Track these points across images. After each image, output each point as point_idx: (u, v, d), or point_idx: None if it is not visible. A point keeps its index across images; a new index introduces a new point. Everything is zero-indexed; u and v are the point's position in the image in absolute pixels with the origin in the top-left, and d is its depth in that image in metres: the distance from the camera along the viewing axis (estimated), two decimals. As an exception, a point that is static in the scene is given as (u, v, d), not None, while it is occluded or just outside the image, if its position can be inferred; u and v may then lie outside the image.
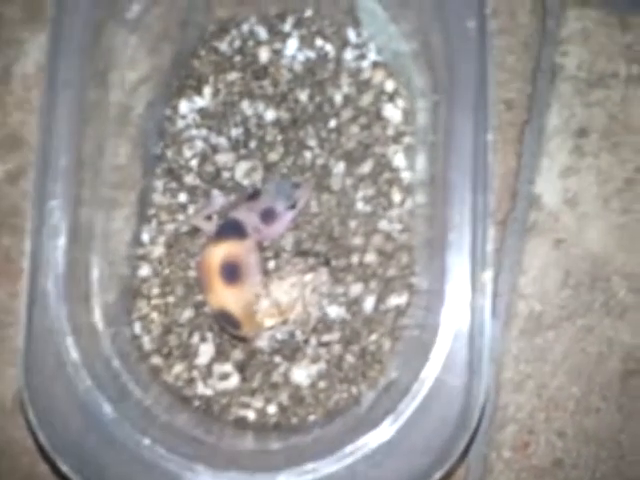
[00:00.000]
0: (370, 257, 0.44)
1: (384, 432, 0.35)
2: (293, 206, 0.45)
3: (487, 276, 0.36)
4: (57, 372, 0.36)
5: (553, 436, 0.48)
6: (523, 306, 0.49)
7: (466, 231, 0.37)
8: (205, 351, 0.44)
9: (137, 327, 0.44)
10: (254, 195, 0.45)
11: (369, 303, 0.44)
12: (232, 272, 0.42)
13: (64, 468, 0.35)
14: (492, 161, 0.37)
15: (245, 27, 0.48)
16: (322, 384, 0.42)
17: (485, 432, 0.48)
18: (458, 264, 0.36)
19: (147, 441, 0.35)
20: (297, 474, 0.34)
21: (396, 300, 0.43)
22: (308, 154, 0.48)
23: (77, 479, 0.35)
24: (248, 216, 0.44)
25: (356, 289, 0.44)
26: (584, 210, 0.49)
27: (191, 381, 0.43)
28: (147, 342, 0.43)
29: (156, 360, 0.43)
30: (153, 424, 0.38)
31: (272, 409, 0.43)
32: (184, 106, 0.49)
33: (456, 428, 0.35)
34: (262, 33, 0.49)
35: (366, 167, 0.46)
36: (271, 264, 0.45)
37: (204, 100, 0.49)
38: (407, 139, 0.46)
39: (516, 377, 0.49)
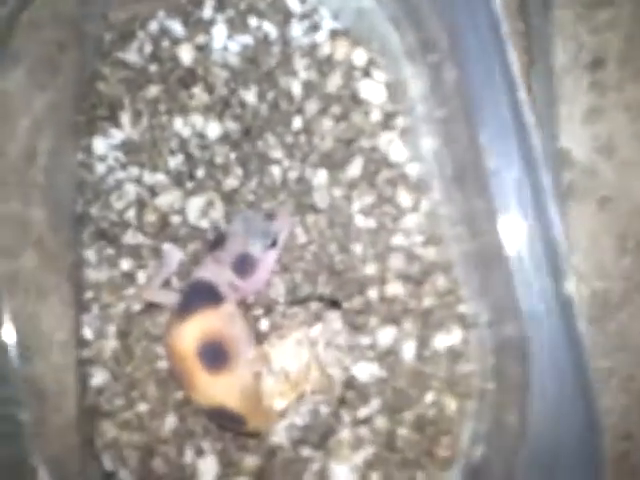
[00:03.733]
0: (393, 287, 0.33)
1: None
2: (273, 243, 0.34)
3: (571, 285, 0.25)
4: None
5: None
6: (582, 289, 0.40)
7: (524, 224, 0.26)
8: (206, 469, 0.32)
9: (107, 461, 0.32)
10: (219, 240, 0.34)
11: (409, 350, 0.33)
12: (215, 353, 0.32)
13: None
14: (534, 124, 0.27)
15: (153, 25, 0.40)
16: (375, 477, 0.31)
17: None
18: (524, 269, 0.26)
19: None
20: None
21: (446, 339, 0.32)
22: (275, 169, 0.38)
23: None
24: (218, 271, 0.33)
25: (386, 334, 0.33)
26: (623, 156, 0.42)
27: (198, 516, 0.32)
28: (126, 478, 0.31)
29: (144, 498, 0.32)
30: None
31: (316, 527, 0.31)
32: (99, 144, 0.39)
33: None
34: (177, 28, 0.40)
35: (354, 169, 0.37)
36: (263, 324, 0.34)
37: (123, 131, 0.39)
38: (401, 121, 0.35)
39: (596, 375, 0.41)
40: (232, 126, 0.38)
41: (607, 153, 0.41)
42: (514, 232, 0.28)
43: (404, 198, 0.34)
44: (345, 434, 0.32)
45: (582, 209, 0.41)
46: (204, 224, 0.37)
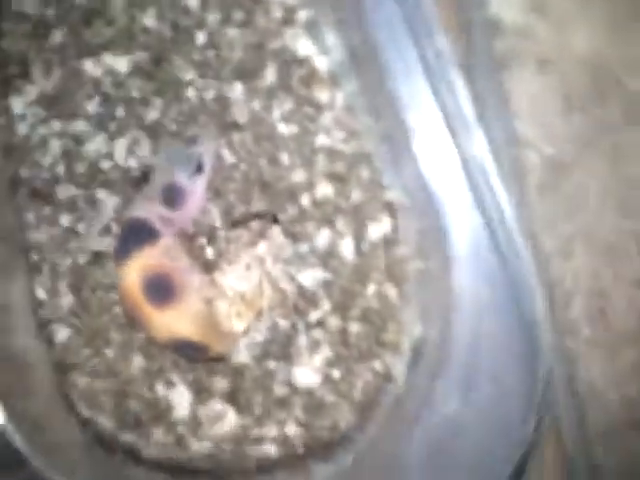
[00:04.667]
0: (323, 189, 0.33)
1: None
2: (199, 169, 0.33)
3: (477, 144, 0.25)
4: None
5: (630, 288, 0.39)
6: (532, 155, 0.39)
7: (427, 95, 0.25)
8: (180, 399, 0.33)
9: (84, 410, 0.33)
10: (143, 177, 0.33)
11: (347, 248, 0.33)
12: (160, 288, 0.32)
13: None
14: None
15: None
16: (336, 374, 0.32)
17: (550, 319, 0.39)
18: (435, 141, 0.25)
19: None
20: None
21: (378, 230, 0.31)
22: (191, 92, 0.37)
23: None
24: (148, 207, 0.33)
25: (323, 237, 0.33)
26: (558, 13, 0.40)
27: (180, 443, 0.33)
28: (105, 422, 0.33)
29: (127, 437, 0.33)
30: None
31: (292, 430, 0.32)
32: (16, 103, 0.38)
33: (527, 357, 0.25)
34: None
35: (269, 76, 0.35)
36: (208, 253, 0.34)
37: (37, 84, 0.38)
38: (303, 14, 0.33)
39: (560, 242, 0.40)
40: (141, 56, 0.37)
41: (541, 11, 0.39)
42: (419, 111, 0.26)
43: (320, 94, 0.33)
44: (302, 340, 0.32)
45: (521, 75, 0.39)
46: (133, 163, 0.36)
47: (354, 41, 0.29)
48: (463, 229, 0.29)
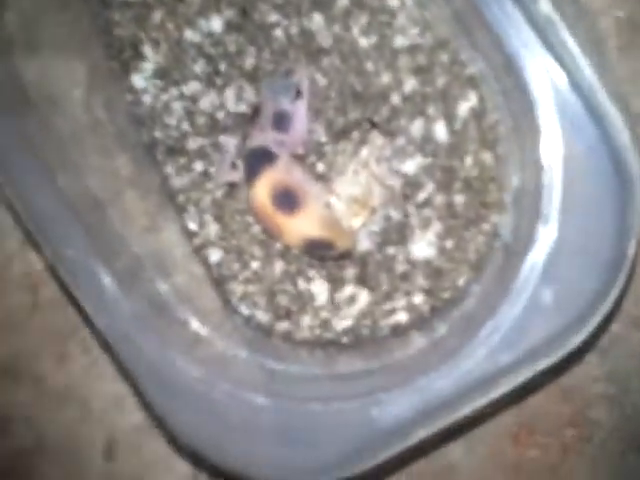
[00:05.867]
0: (409, 84, 0.36)
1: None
2: (298, 94, 0.38)
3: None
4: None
5: None
6: (606, 21, 0.40)
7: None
8: (319, 289, 0.39)
9: (244, 310, 0.40)
10: (256, 112, 0.39)
11: (440, 130, 0.36)
12: (287, 199, 0.37)
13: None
14: None
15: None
16: (449, 243, 0.36)
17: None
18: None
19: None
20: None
21: (466, 105, 0.34)
22: (278, 32, 0.41)
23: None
24: (264, 136, 0.38)
25: (417, 127, 0.36)
26: None
27: (325, 325, 0.39)
28: (262, 316, 0.40)
29: (283, 326, 0.40)
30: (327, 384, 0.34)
31: (418, 299, 0.37)
32: (138, 80, 0.44)
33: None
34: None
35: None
36: (320, 167, 0.39)
37: (151, 61, 0.44)
38: None
39: None
40: (229, 13, 0.41)
41: None
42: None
43: (390, 1, 0.36)
44: (414, 221, 0.37)
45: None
46: (243, 108, 0.42)
47: None
48: (546, 90, 0.31)
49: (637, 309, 0.39)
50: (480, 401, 0.30)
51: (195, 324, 0.37)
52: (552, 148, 0.31)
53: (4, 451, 0.49)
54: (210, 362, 0.36)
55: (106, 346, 0.39)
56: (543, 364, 0.30)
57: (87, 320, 0.38)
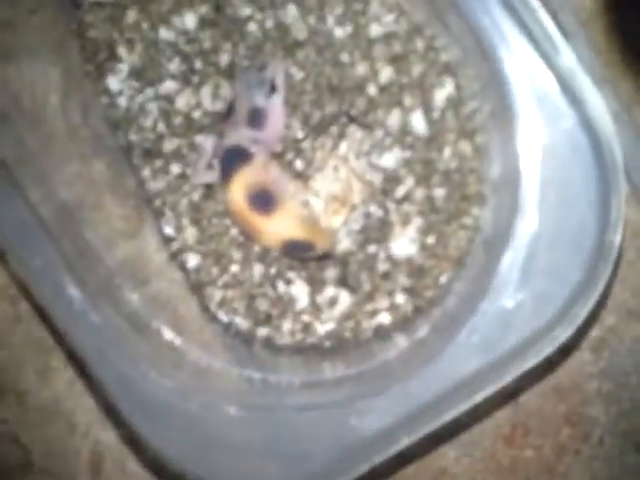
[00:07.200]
0: (385, 74, 0.34)
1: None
2: (273, 89, 0.36)
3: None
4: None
5: None
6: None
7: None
8: (299, 292, 0.37)
9: (222, 316, 0.38)
10: (230, 109, 0.37)
11: (418, 121, 0.35)
12: (264, 199, 0.36)
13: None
14: None
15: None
16: (431, 239, 0.34)
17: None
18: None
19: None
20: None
21: (443, 93, 0.33)
22: (252, 26, 0.39)
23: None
24: (238, 134, 0.37)
25: (395, 118, 0.35)
26: None
27: (307, 329, 0.37)
28: (241, 323, 0.38)
29: (263, 332, 0.38)
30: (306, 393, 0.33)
31: (400, 298, 0.35)
32: (113, 82, 0.43)
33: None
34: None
35: None
36: (298, 164, 0.37)
37: (126, 62, 0.43)
38: None
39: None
40: (203, 9, 0.40)
41: None
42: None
43: (361, -12, 0.35)
44: (395, 217, 0.35)
45: None
46: (220, 106, 0.40)
47: None
48: (523, 75, 0.30)
49: (633, 301, 0.38)
50: (465, 404, 0.29)
51: (170, 334, 0.35)
52: (531, 135, 0.29)
53: (-9, 470, 0.48)
54: (186, 373, 0.34)
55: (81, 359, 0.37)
56: (530, 362, 0.28)
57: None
